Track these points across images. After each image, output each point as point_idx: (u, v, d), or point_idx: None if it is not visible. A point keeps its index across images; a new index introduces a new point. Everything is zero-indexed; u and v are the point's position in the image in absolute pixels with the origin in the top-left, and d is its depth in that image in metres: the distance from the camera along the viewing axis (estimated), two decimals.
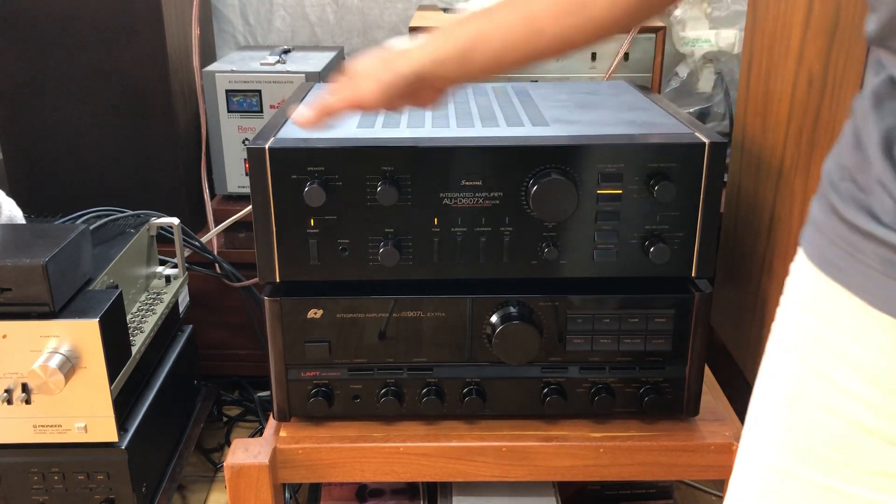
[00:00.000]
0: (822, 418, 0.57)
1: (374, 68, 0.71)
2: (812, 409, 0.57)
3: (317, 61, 1.51)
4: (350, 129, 0.89)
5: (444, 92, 0.74)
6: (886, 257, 0.50)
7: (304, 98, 1.04)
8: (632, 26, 0.67)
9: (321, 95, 0.73)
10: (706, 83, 1.62)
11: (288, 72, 1.43)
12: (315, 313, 0.89)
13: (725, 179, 1.17)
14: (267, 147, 0.82)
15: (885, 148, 0.51)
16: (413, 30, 1.38)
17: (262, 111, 1.43)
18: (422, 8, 1.69)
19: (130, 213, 1.27)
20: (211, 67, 1.45)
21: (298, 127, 0.76)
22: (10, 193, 1.19)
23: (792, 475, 0.59)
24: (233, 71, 1.43)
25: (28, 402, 0.97)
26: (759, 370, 0.64)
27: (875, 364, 0.53)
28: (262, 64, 1.46)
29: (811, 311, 0.58)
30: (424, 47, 0.70)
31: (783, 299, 0.62)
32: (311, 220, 0.85)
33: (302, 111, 0.74)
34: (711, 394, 1.00)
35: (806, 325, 0.58)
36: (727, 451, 0.91)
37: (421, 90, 0.71)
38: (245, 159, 1.45)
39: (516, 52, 0.68)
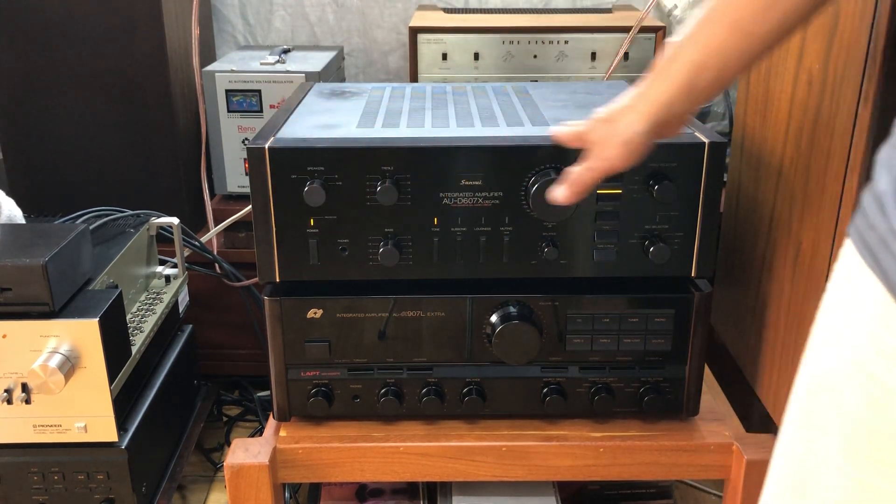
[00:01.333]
0: (862, 413, 0.54)
1: (611, 132, 0.72)
2: (854, 401, 0.54)
3: (317, 61, 1.51)
4: (350, 129, 0.89)
5: (684, 122, 0.74)
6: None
7: (303, 98, 1.04)
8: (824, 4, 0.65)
9: (574, 171, 0.74)
10: None
11: (288, 72, 1.43)
12: (315, 313, 0.89)
13: (725, 179, 1.17)
14: (267, 147, 0.82)
15: None
16: (413, 29, 1.38)
17: (261, 111, 1.43)
18: (422, 8, 1.69)
19: (130, 212, 1.27)
20: (211, 67, 1.45)
21: (562, 202, 0.76)
22: (10, 193, 1.19)
23: (835, 467, 0.56)
24: (233, 71, 1.43)
25: (28, 401, 0.97)
26: (804, 355, 0.61)
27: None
28: (261, 64, 1.46)
29: (852, 296, 0.55)
30: (648, 97, 0.70)
31: (829, 284, 0.60)
32: (311, 220, 0.85)
33: (560, 190, 0.75)
34: (711, 394, 1.00)
35: (848, 314, 0.56)
36: (727, 451, 0.91)
37: (661, 131, 0.72)
38: (245, 159, 1.45)
39: (734, 63, 0.66)
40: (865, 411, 0.55)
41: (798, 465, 0.61)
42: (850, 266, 0.56)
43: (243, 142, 1.45)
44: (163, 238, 1.30)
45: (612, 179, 0.84)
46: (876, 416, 0.54)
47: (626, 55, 1.38)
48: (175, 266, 1.31)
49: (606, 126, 0.73)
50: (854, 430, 0.55)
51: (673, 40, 0.68)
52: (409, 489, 1.14)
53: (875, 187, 0.53)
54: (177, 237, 1.28)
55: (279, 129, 0.87)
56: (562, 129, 0.80)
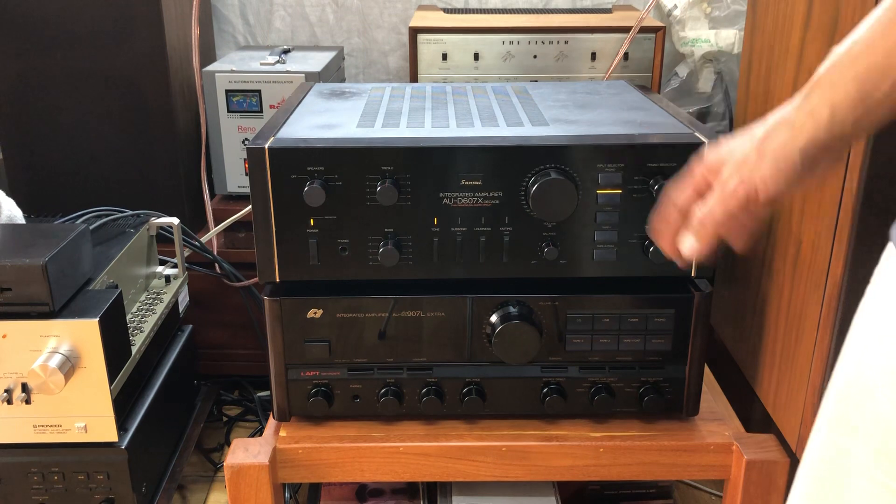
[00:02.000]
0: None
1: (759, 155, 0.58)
2: (889, 406, 0.52)
3: (316, 61, 1.51)
4: (350, 129, 0.89)
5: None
6: None
7: (303, 99, 1.04)
8: None
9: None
10: (706, 83, 1.62)
11: (288, 72, 1.43)
12: (315, 313, 0.89)
13: None
14: (267, 147, 0.82)
15: None
16: (413, 29, 1.38)
17: (261, 111, 1.43)
18: (422, 8, 1.69)
19: (130, 213, 1.27)
20: (211, 67, 1.45)
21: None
22: (10, 193, 1.19)
23: (864, 473, 0.54)
24: (233, 71, 1.43)
25: (28, 401, 0.97)
26: (840, 357, 0.58)
27: None
28: (261, 64, 1.46)
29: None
30: (807, 107, 0.56)
31: (870, 288, 0.56)
32: (311, 220, 0.85)
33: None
34: (711, 394, 1.00)
35: (890, 314, 0.53)
36: (727, 451, 0.91)
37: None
38: (245, 159, 1.45)
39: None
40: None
41: (827, 467, 0.59)
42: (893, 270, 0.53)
43: (243, 142, 1.45)
44: (163, 238, 1.30)
45: (611, 180, 0.84)
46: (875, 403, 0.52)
47: (625, 55, 1.38)
48: (175, 266, 1.31)
49: (746, 146, 0.59)
50: (886, 435, 0.53)
51: (835, 48, 0.56)
52: (409, 489, 1.14)
53: None
54: (177, 237, 1.28)
55: (279, 129, 0.87)
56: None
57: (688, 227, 0.62)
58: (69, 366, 0.94)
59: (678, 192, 0.64)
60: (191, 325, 1.36)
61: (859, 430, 0.55)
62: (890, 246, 0.55)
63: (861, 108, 0.54)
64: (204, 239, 1.42)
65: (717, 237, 0.61)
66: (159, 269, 1.30)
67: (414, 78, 1.41)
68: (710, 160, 0.62)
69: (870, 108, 0.54)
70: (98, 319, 0.94)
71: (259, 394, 1.59)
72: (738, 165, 0.59)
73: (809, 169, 0.57)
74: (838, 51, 0.56)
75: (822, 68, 0.56)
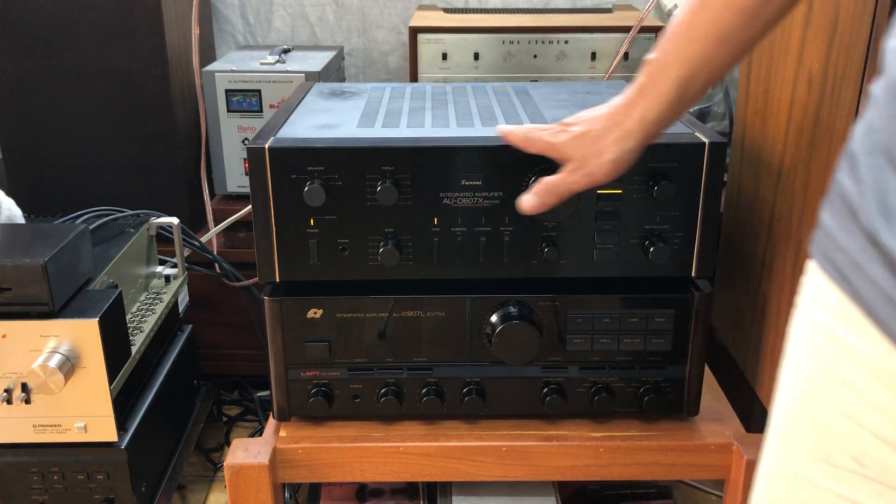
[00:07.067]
0: (841, 425, 0.52)
1: (596, 149, 0.72)
2: (831, 414, 0.53)
3: (316, 61, 1.51)
4: (350, 129, 0.89)
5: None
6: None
7: (303, 98, 1.04)
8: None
9: (551, 182, 0.75)
10: None
11: (287, 71, 1.43)
12: (315, 313, 0.89)
13: (725, 179, 1.17)
14: (267, 147, 0.82)
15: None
16: (413, 29, 1.38)
17: (261, 111, 1.43)
18: (421, 7, 1.69)
19: (130, 212, 1.27)
20: (210, 67, 1.45)
21: (527, 212, 0.77)
22: (9, 193, 1.19)
23: (813, 483, 0.55)
24: (232, 71, 1.43)
25: (28, 401, 0.97)
26: (780, 370, 0.61)
27: (883, 365, 0.49)
28: (261, 63, 1.46)
29: (825, 305, 0.53)
30: (635, 115, 0.70)
31: (799, 299, 0.59)
32: (311, 220, 0.85)
33: (530, 199, 0.76)
34: (711, 394, 1.00)
35: (821, 322, 0.54)
36: (727, 451, 0.91)
37: (648, 143, 0.73)
38: (245, 159, 1.45)
39: (717, 76, 0.68)
40: (807, 413, 0.55)
41: (779, 483, 0.60)
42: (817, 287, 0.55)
43: (243, 142, 1.45)
44: (163, 238, 1.30)
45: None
46: (814, 414, 0.54)
47: (626, 55, 1.38)
48: (175, 266, 1.31)
49: (586, 142, 0.72)
50: (828, 444, 0.54)
51: (651, 57, 0.69)
52: (409, 489, 1.14)
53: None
54: (177, 237, 1.28)
55: (279, 129, 0.87)
56: (515, 130, 0.79)
57: (534, 187, 0.75)
58: (69, 366, 0.94)
59: (547, 142, 0.76)
60: (191, 325, 1.36)
61: (805, 442, 0.56)
62: (812, 262, 0.56)
63: (677, 108, 0.69)
64: (204, 239, 1.42)
65: (557, 202, 0.76)
66: (159, 268, 1.30)
67: (414, 78, 1.41)
68: (559, 148, 0.74)
69: (683, 106, 0.69)
70: (98, 319, 0.94)
71: (259, 394, 1.59)
72: (582, 161, 0.72)
73: (636, 157, 0.72)
74: (652, 60, 0.68)
75: (645, 77, 0.69)
